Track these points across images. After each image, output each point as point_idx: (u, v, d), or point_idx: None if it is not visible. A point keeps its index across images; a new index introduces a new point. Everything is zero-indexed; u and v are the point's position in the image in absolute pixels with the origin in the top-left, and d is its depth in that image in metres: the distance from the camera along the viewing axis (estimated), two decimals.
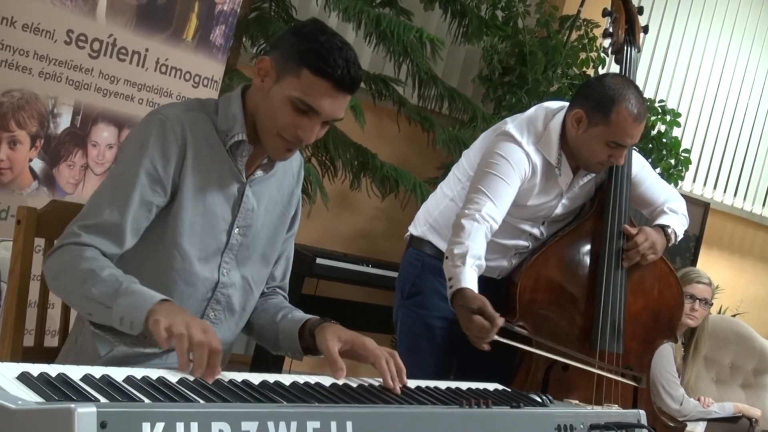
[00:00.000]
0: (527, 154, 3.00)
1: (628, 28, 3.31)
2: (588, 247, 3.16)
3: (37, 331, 2.28)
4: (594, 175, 3.17)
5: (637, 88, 3.04)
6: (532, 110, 3.15)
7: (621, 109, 2.91)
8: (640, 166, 3.29)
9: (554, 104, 3.17)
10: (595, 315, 3.08)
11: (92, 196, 2.07)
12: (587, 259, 3.15)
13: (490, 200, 2.91)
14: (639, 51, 3.34)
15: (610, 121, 2.92)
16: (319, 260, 4.70)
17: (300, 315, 2.20)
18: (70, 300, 2.03)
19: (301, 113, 2.02)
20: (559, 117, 3.07)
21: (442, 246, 3.13)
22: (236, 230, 2.17)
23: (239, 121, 2.11)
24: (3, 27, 2.68)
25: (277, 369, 2.01)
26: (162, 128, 2.06)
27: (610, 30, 3.36)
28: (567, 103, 3.14)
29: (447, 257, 2.88)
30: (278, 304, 2.30)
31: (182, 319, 1.80)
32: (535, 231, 3.18)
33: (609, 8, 3.39)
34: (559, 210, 3.18)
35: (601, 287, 3.09)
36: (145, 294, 1.88)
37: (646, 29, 3.39)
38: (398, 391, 1.96)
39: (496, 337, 2.72)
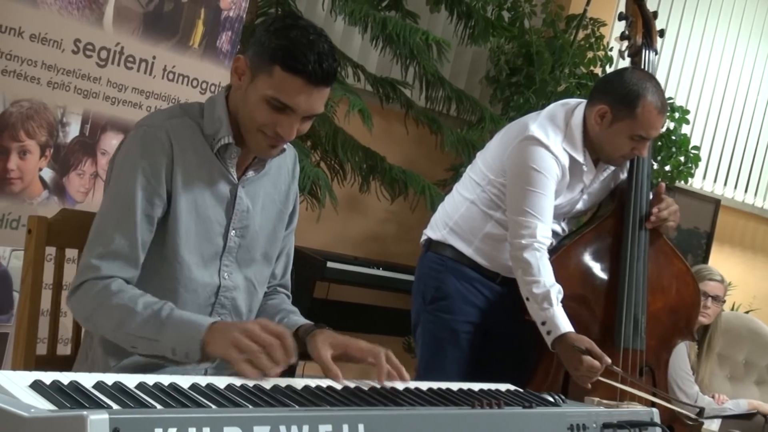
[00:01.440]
0: (556, 158, 3.02)
1: (645, 31, 3.34)
2: (608, 245, 3.18)
3: (50, 339, 2.29)
4: (612, 169, 3.20)
5: (656, 80, 3.10)
6: (550, 108, 3.17)
7: (646, 102, 2.96)
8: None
9: (570, 101, 3.21)
10: (618, 311, 3.10)
11: (97, 220, 2.07)
12: (608, 257, 3.17)
13: (539, 220, 2.95)
14: (656, 53, 3.36)
15: (636, 114, 2.97)
16: (329, 264, 4.71)
17: (295, 319, 2.19)
18: (110, 336, 2.03)
19: (278, 111, 2.00)
20: (579, 113, 3.10)
21: (465, 250, 3.18)
22: (232, 233, 2.16)
23: (224, 124, 2.10)
24: (11, 37, 2.69)
25: (290, 373, 2.02)
26: (147, 139, 2.05)
27: (627, 33, 3.38)
28: (582, 100, 3.17)
29: (528, 299, 2.93)
30: (277, 305, 2.29)
31: (237, 332, 1.84)
32: (557, 228, 3.20)
33: (624, 12, 3.42)
34: (580, 206, 3.22)
35: (624, 283, 3.11)
36: (192, 322, 1.92)
37: (662, 33, 3.42)
38: (404, 382, 1.95)
39: (601, 378, 2.81)
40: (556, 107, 3.16)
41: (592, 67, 5.43)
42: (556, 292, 2.90)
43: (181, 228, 2.08)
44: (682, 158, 5.60)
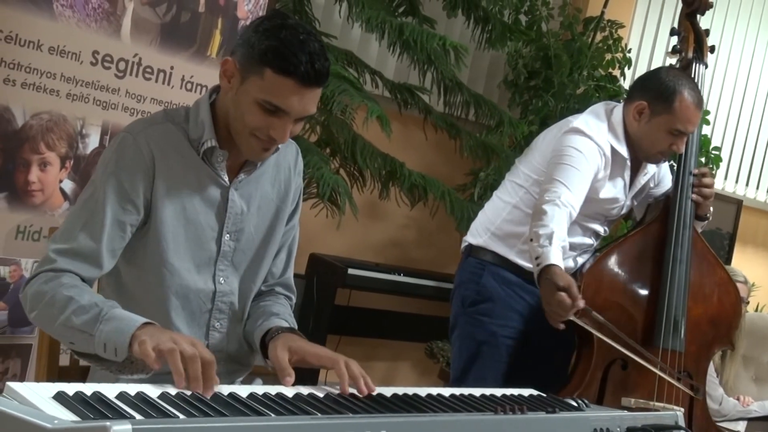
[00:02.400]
0: (598, 145, 3.07)
1: (696, 46, 3.43)
2: (652, 249, 3.22)
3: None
4: (650, 171, 3.24)
5: (692, 78, 3.21)
6: (590, 109, 3.25)
7: (683, 97, 3.05)
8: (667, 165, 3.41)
9: (608, 103, 3.29)
10: (659, 312, 3.13)
11: (66, 218, 2.04)
12: (650, 262, 3.21)
13: (567, 188, 2.96)
14: (707, 67, 3.45)
15: (674, 109, 3.04)
16: (351, 271, 4.70)
17: (271, 322, 2.14)
18: (50, 329, 1.98)
19: (271, 113, 1.97)
20: (618, 111, 3.18)
21: (507, 253, 3.21)
22: (226, 237, 2.13)
23: (207, 127, 2.06)
24: (29, 50, 2.71)
25: (311, 380, 2.01)
26: (126, 145, 2.03)
27: (678, 47, 3.47)
28: (618, 103, 3.24)
29: (531, 239, 2.90)
30: (265, 307, 2.24)
31: (168, 336, 1.77)
32: (600, 230, 3.26)
33: (677, 27, 3.51)
34: (624, 210, 3.28)
35: (665, 283, 3.14)
36: (127, 318, 1.84)
37: (713, 49, 3.51)
38: (364, 394, 1.88)
39: (572, 318, 2.75)
40: (596, 107, 3.25)
41: (610, 69, 5.41)
42: (561, 240, 2.83)
43: (168, 235, 2.05)
44: (703, 159, 5.57)
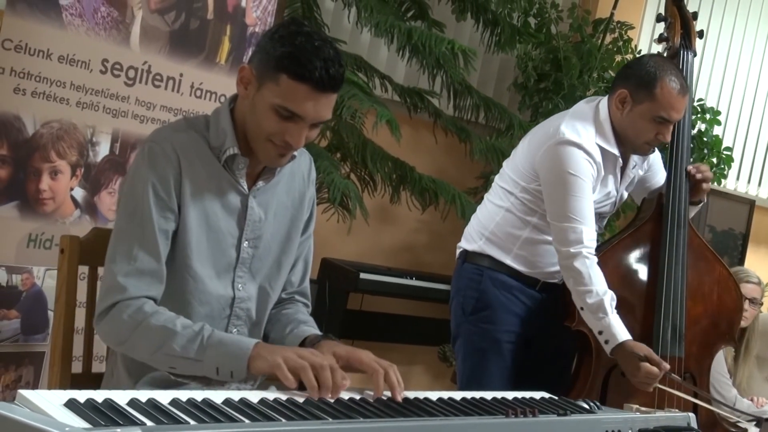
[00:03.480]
0: (590, 155, 3.02)
1: (683, 32, 3.34)
2: (647, 250, 3.19)
3: (85, 357, 2.31)
4: (638, 163, 3.20)
5: (675, 64, 3.11)
6: (575, 107, 3.19)
7: (664, 83, 2.97)
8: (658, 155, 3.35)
9: (595, 98, 3.22)
10: (656, 318, 3.09)
11: (114, 239, 2.07)
12: (646, 263, 3.17)
13: (583, 225, 2.95)
14: (695, 55, 3.36)
15: (655, 96, 2.98)
16: (362, 275, 4.71)
17: (303, 330, 2.18)
18: (146, 358, 2.03)
19: (286, 119, 1.99)
20: (603, 106, 3.10)
21: (504, 258, 3.18)
22: (245, 243, 2.15)
23: (229, 135, 2.09)
24: (39, 59, 2.72)
25: None
26: (154, 154, 2.05)
27: (665, 35, 3.38)
28: (602, 97, 3.17)
29: (582, 308, 2.94)
30: (291, 315, 2.28)
31: (290, 353, 1.88)
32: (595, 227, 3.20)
33: (663, 13, 3.42)
34: (618, 205, 3.25)
35: (662, 289, 3.11)
36: (236, 342, 1.95)
37: (701, 34, 3.41)
38: (398, 399, 1.90)
39: (659, 386, 2.85)
40: (581, 105, 3.17)
41: None
42: (609, 299, 2.90)
43: (192, 241, 2.08)
44: (714, 160, 5.56)
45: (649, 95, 2.98)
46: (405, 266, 5.32)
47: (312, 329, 2.19)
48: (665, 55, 3.37)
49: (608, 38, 5.38)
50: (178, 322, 1.97)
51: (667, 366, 2.82)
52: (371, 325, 5.17)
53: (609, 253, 3.13)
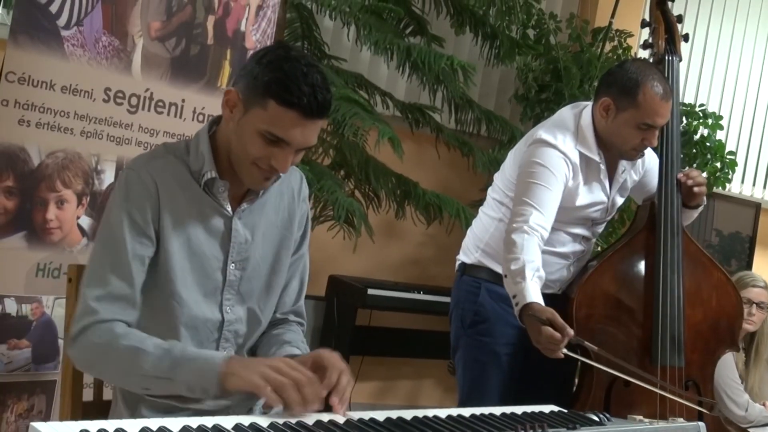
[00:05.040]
0: (564, 155, 3.00)
1: (668, 37, 3.31)
2: (642, 260, 3.15)
3: (96, 385, 2.32)
4: (627, 168, 3.18)
5: (659, 70, 3.06)
6: (557, 114, 3.17)
7: (647, 89, 2.93)
8: (654, 157, 3.30)
9: (579, 104, 3.19)
10: (654, 328, 3.07)
11: (90, 264, 2.05)
12: (642, 273, 3.14)
13: (536, 209, 2.92)
14: (680, 60, 3.32)
15: (638, 102, 2.94)
16: (370, 291, 4.72)
17: (285, 350, 2.15)
18: (118, 381, 2.02)
19: (273, 144, 1.98)
20: (587, 113, 3.08)
21: (500, 269, 3.13)
22: (231, 266, 2.14)
23: (207, 158, 2.08)
24: (42, 90, 2.74)
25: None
26: (131, 181, 2.05)
27: (650, 41, 3.35)
28: (588, 102, 3.15)
29: (506, 275, 2.89)
30: (277, 336, 2.25)
31: (264, 366, 1.84)
32: (588, 233, 3.19)
33: (647, 19, 3.39)
34: (611, 212, 3.20)
35: (658, 300, 3.07)
36: (206, 357, 1.91)
37: (686, 38, 3.38)
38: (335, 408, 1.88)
39: (565, 351, 2.73)
40: (564, 111, 3.15)
41: None
42: (533, 269, 2.83)
43: (176, 266, 2.06)
44: (718, 164, 5.56)
45: (632, 102, 2.95)
46: (412, 280, 5.33)
47: (292, 350, 2.15)
48: (651, 60, 3.33)
49: (608, 47, 5.40)
50: (149, 342, 1.94)
51: (571, 332, 2.69)
52: (380, 340, 5.19)
53: (605, 264, 3.11)
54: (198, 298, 2.10)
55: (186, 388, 1.89)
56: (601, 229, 3.28)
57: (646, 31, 3.42)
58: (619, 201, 3.25)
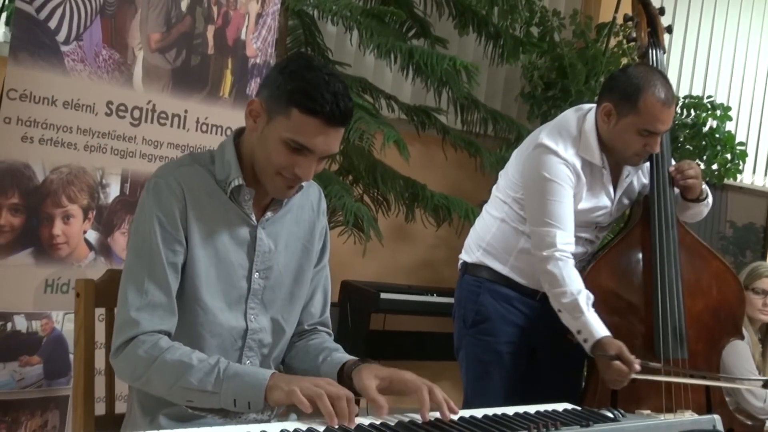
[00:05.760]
0: (566, 162, 3.00)
1: (650, 30, 3.30)
2: (639, 255, 3.15)
3: (107, 398, 2.33)
4: (632, 172, 3.17)
5: (662, 74, 3.05)
6: (562, 115, 3.17)
7: (648, 95, 2.92)
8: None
9: (584, 106, 3.18)
10: (655, 322, 3.06)
11: (125, 275, 2.09)
12: (640, 267, 3.14)
13: (558, 228, 2.94)
14: (664, 52, 3.31)
15: (639, 109, 2.93)
16: (383, 295, 4.71)
17: (339, 357, 2.18)
18: (162, 392, 2.05)
19: (296, 152, 2.02)
20: (591, 117, 3.07)
21: (501, 268, 3.17)
22: (256, 275, 2.17)
23: (234, 167, 2.11)
24: (44, 107, 2.75)
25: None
26: (159, 189, 2.08)
27: (633, 35, 3.35)
28: (592, 105, 3.14)
29: (559, 310, 2.93)
30: (319, 345, 2.27)
31: (306, 382, 1.88)
32: (592, 236, 3.19)
33: (630, 14, 3.39)
34: (615, 215, 3.20)
35: (657, 293, 3.07)
36: (252, 373, 1.96)
37: (669, 29, 3.37)
38: (448, 419, 1.93)
39: (633, 376, 2.80)
40: (568, 114, 3.15)
41: None
42: (585, 298, 2.88)
43: (201, 273, 2.09)
44: (728, 155, 5.53)
45: (633, 108, 2.93)
46: (425, 283, 5.32)
47: (346, 356, 2.18)
48: (636, 55, 3.35)
49: (612, 41, 5.38)
50: (194, 356, 1.99)
51: (638, 367, 2.78)
52: (395, 344, 5.17)
53: (602, 261, 3.11)
54: (222, 306, 2.13)
55: (231, 402, 1.94)
56: (605, 232, 3.27)
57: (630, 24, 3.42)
58: (626, 204, 3.24)
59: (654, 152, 3.04)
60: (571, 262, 2.94)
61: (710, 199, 3.26)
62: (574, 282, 2.90)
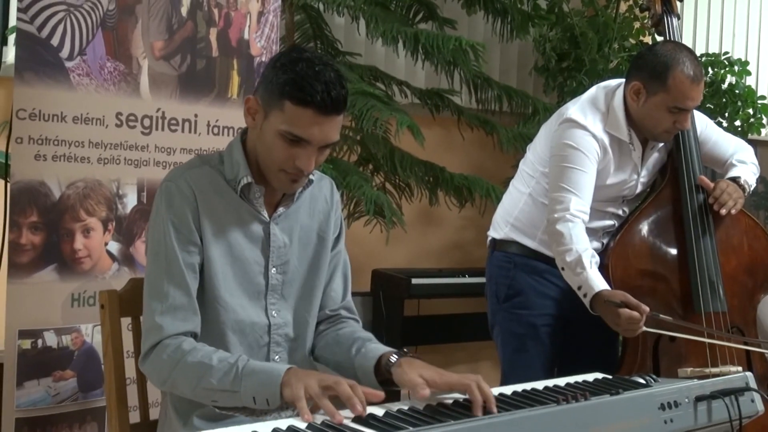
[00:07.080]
0: (594, 136, 3.01)
1: None
2: (670, 214, 3.16)
3: (141, 405, 2.35)
4: (661, 145, 3.16)
5: (689, 50, 3.05)
6: (591, 91, 3.17)
7: (677, 73, 2.93)
8: (704, 125, 3.30)
9: (612, 82, 3.19)
10: (692, 277, 3.07)
11: (146, 280, 2.13)
12: (671, 226, 3.15)
13: (574, 194, 2.95)
14: (678, 18, 3.31)
15: (668, 87, 2.94)
16: (414, 280, 4.71)
17: (374, 348, 2.17)
18: (188, 394, 2.08)
19: (294, 144, 2.04)
20: (620, 94, 3.09)
21: (530, 243, 3.18)
22: (273, 270, 2.19)
23: (242, 165, 2.14)
24: (54, 123, 2.76)
25: (396, 397, 2.03)
26: (171, 192, 2.11)
27: (646, 4, 3.35)
28: (621, 80, 3.14)
29: (563, 268, 2.94)
30: (350, 335, 2.27)
31: (318, 376, 1.91)
32: (618, 211, 3.20)
33: None
34: (639, 188, 3.20)
35: (692, 248, 3.08)
36: (268, 370, 1.97)
37: None
38: (494, 411, 1.90)
39: (645, 328, 2.79)
40: (597, 90, 3.15)
41: (641, 38, 5.34)
42: (589, 256, 2.89)
43: (218, 272, 2.12)
44: (750, 110, 5.46)
45: (662, 86, 2.94)
46: (455, 265, 5.32)
47: (381, 346, 2.18)
48: (649, 24, 3.34)
49: (623, 6, 5.34)
50: (215, 356, 2.01)
51: (647, 309, 2.76)
52: (431, 328, 5.17)
53: (633, 224, 3.12)
54: (243, 303, 2.16)
55: (251, 399, 1.96)
56: (633, 206, 3.26)
57: None
58: (652, 175, 3.24)
59: (684, 129, 3.05)
60: (581, 225, 2.94)
61: (752, 187, 3.26)
62: (581, 241, 2.91)
